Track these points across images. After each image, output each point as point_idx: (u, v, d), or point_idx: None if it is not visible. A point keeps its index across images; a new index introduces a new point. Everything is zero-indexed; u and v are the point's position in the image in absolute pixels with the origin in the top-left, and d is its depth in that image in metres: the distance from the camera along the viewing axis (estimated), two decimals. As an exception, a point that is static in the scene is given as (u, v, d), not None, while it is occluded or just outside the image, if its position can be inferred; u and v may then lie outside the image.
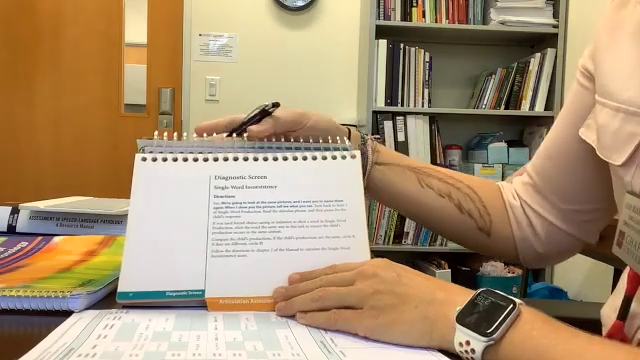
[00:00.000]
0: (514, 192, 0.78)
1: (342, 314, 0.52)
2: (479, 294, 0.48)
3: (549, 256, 0.77)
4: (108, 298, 0.59)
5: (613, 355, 0.42)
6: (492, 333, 0.44)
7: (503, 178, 2.74)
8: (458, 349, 0.46)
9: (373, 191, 0.76)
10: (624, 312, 0.58)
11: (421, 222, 0.80)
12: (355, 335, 0.51)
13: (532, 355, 0.43)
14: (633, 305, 0.57)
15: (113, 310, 0.56)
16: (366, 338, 0.50)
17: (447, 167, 2.84)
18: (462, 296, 0.48)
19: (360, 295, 0.52)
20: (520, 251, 0.77)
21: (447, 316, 0.47)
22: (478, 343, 0.44)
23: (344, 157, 0.66)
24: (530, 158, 2.77)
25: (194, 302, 0.57)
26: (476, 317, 0.45)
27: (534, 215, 0.75)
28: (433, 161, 2.74)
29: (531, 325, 0.45)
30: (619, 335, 0.58)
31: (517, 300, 0.46)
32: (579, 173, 0.70)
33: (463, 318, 0.46)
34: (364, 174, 0.72)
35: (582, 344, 0.43)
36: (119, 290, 0.57)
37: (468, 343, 0.45)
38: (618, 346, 0.44)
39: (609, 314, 0.63)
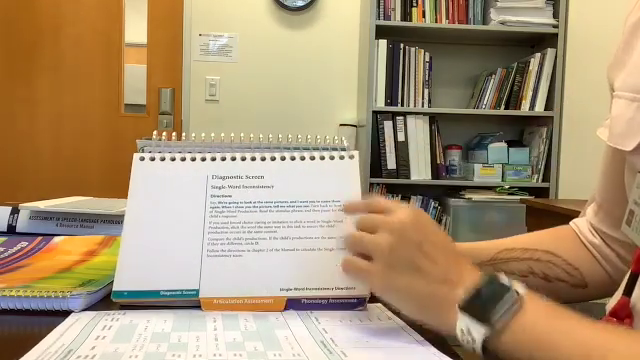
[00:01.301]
0: (590, 228, 0.76)
1: (355, 263, 0.53)
2: (483, 281, 0.48)
3: None
4: (106, 299, 0.59)
5: (616, 342, 0.42)
6: (493, 323, 0.44)
7: (503, 178, 2.74)
8: (460, 336, 0.46)
9: None
10: (630, 288, 0.58)
11: None
12: (356, 335, 0.51)
13: (534, 344, 0.44)
14: (638, 284, 0.58)
15: (111, 311, 0.56)
16: (366, 337, 0.50)
17: (447, 167, 2.85)
18: (471, 279, 0.48)
19: (377, 250, 0.51)
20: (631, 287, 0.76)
21: (453, 300, 0.47)
22: (478, 332, 0.45)
23: (342, 157, 0.66)
24: (530, 158, 2.77)
25: (188, 301, 0.57)
26: (479, 306, 0.46)
27: (617, 244, 0.73)
28: (433, 161, 2.74)
29: (533, 314, 0.45)
30: (624, 311, 0.58)
31: (521, 288, 0.46)
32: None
33: (467, 306, 0.46)
34: None
35: (585, 331, 0.43)
36: (114, 289, 0.57)
37: (469, 331, 0.45)
38: (621, 332, 0.44)
39: (616, 297, 0.63)
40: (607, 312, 0.67)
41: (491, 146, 2.78)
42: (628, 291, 0.58)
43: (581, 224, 0.78)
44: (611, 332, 0.44)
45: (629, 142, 0.58)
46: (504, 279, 0.48)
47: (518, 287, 0.47)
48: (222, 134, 0.69)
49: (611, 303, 0.66)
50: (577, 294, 0.74)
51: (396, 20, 2.72)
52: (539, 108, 2.73)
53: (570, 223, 0.80)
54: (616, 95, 0.63)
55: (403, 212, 0.53)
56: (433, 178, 2.74)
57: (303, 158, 0.65)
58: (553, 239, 0.77)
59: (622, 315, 0.58)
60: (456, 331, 0.46)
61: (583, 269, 0.74)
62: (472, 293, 0.47)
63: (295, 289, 0.58)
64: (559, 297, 0.74)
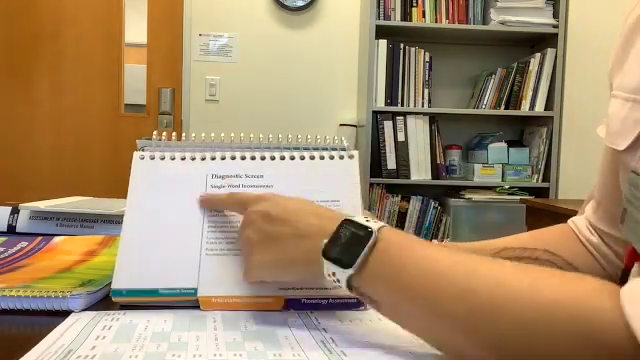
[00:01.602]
0: (589, 225, 0.76)
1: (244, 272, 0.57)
2: (342, 225, 0.50)
3: None
4: (106, 299, 0.59)
5: (463, 261, 0.45)
6: (351, 264, 0.47)
7: (503, 178, 2.74)
8: (327, 279, 0.49)
9: None
10: (622, 284, 0.59)
11: None
12: (356, 335, 0.51)
13: (390, 276, 0.46)
14: (629, 280, 0.58)
15: (111, 311, 0.56)
16: (366, 337, 0.50)
17: (447, 167, 2.85)
18: (329, 225, 0.51)
19: (242, 243, 0.56)
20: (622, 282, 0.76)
21: (317, 251, 0.50)
22: (341, 274, 0.48)
23: (341, 157, 0.66)
24: (530, 158, 2.77)
25: (187, 300, 0.57)
26: (338, 249, 0.49)
27: (615, 242, 0.72)
28: (433, 161, 2.74)
29: (386, 250, 0.47)
30: None
31: (375, 226, 0.48)
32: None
33: (328, 252, 0.49)
34: None
35: (435, 252, 0.47)
36: (113, 287, 0.57)
37: (334, 274, 0.48)
38: (469, 254, 0.46)
39: None
40: None
41: (491, 146, 2.78)
42: (620, 286, 0.59)
43: (579, 222, 0.78)
44: (458, 252, 0.47)
45: (622, 141, 0.58)
46: (360, 219, 0.50)
47: (373, 224, 0.49)
48: (222, 134, 0.69)
49: None
50: None
51: (396, 20, 2.72)
52: (539, 108, 2.74)
53: (568, 221, 0.80)
54: (613, 94, 0.64)
55: (256, 201, 0.57)
56: (433, 178, 2.74)
57: (303, 158, 0.65)
58: (552, 238, 0.78)
59: None
60: (325, 277, 0.49)
61: (581, 267, 0.74)
62: (331, 238, 0.50)
63: (294, 288, 0.58)
64: None
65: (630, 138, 0.57)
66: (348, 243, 0.48)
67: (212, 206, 0.62)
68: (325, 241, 0.50)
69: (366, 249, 0.47)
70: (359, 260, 0.47)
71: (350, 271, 0.47)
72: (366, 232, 0.48)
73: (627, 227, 0.58)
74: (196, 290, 0.57)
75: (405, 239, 0.49)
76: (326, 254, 0.49)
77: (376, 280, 0.47)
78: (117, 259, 0.59)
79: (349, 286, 0.48)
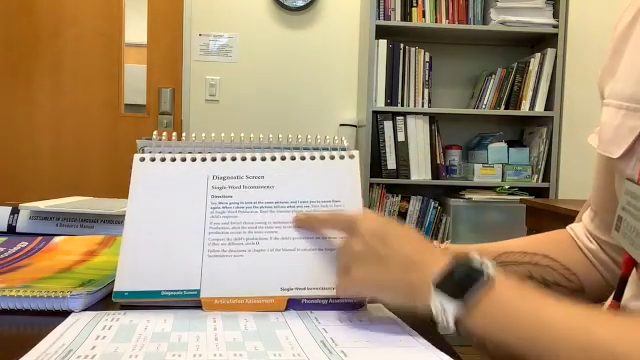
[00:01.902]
0: (587, 233, 0.77)
1: (340, 284, 0.56)
2: (457, 261, 0.50)
3: None
4: (106, 299, 0.59)
5: (579, 319, 0.45)
6: (463, 300, 0.47)
7: (503, 178, 2.74)
8: (434, 311, 0.49)
9: None
10: (619, 292, 0.59)
11: None
12: (356, 335, 0.51)
13: (501, 320, 0.46)
14: (627, 288, 0.58)
15: (111, 311, 0.56)
16: (366, 337, 0.50)
17: (447, 167, 2.85)
18: (442, 261, 0.51)
19: (351, 256, 0.55)
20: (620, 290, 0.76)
21: (427, 281, 0.50)
22: (451, 306, 0.47)
23: (342, 157, 0.66)
24: (530, 158, 2.76)
25: (189, 302, 0.57)
26: (452, 283, 0.49)
27: (612, 250, 0.73)
28: (433, 161, 2.74)
29: (503, 291, 0.48)
30: None
31: (491, 268, 0.49)
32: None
33: (440, 283, 0.49)
34: None
35: (551, 309, 0.46)
36: (115, 289, 0.57)
37: (443, 306, 0.48)
38: (586, 310, 0.46)
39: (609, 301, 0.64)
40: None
41: (491, 146, 2.78)
42: (618, 295, 0.59)
43: (578, 229, 0.79)
44: (572, 308, 0.47)
45: (616, 149, 0.59)
46: (476, 259, 0.50)
47: (489, 267, 0.49)
48: (222, 134, 0.69)
49: (606, 306, 0.66)
50: (577, 298, 0.75)
51: (396, 20, 2.72)
52: (539, 108, 2.74)
53: (567, 228, 0.80)
54: (605, 103, 0.64)
55: (365, 219, 0.57)
56: (433, 178, 2.74)
57: (303, 158, 0.65)
58: (551, 243, 0.78)
59: None
60: (431, 309, 0.49)
61: (580, 274, 0.75)
62: (446, 272, 0.50)
63: (296, 289, 0.58)
64: None
65: (624, 146, 0.57)
66: (463, 278, 0.48)
67: (309, 226, 0.61)
68: (437, 273, 0.50)
69: (482, 285, 0.47)
70: (473, 297, 0.47)
71: (461, 305, 0.47)
72: (482, 270, 0.48)
73: (622, 234, 0.58)
74: (199, 292, 0.57)
75: (519, 284, 0.49)
76: (439, 286, 0.49)
77: (486, 319, 0.47)
78: (119, 261, 0.59)
79: (456, 320, 0.48)
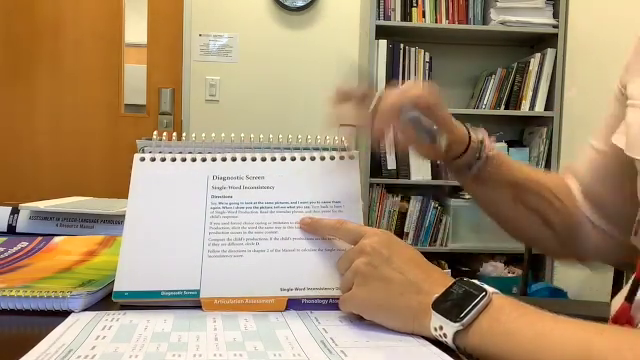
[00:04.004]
0: (581, 198, 0.80)
1: (344, 299, 0.56)
2: (455, 283, 0.50)
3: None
4: (106, 299, 0.59)
5: (577, 333, 0.44)
6: (462, 319, 0.47)
7: (503, 178, 2.73)
8: (433, 333, 0.49)
9: (471, 191, 0.85)
10: (631, 295, 0.59)
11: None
12: (356, 335, 0.51)
13: (500, 339, 0.46)
14: None
15: (111, 311, 0.56)
16: (366, 337, 0.50)
17: (447, 167, 2.84)
18: (442, 286, 0.51)
19: (356, 274, 0.55)
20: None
21: (427, 305, 0.50)
22: (449, 328, 0.47)
23: (342, 157, 0.66)
24: (530, 158, 2.75)
25: (189, 302, 0.57)
26: (450, 304, 0.49)
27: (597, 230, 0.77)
28: (433, 161, 2.73)
29: (499, 311, 0.47)
30: (624, 317, 0.59)
31: (489, 289, 0.49)
32: (624, 187, 0.70)
33: (438, 305, 0.49)
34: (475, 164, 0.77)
35: (548, 325, 0.46)
36: (115, 289, 0.57)
37: (441, 328, 0.48)
38: (583, 323, 0.46)
39: (619, 300, 0.64)
40: (610, 317, 0.67)
41: (491, 146, 2.78)
42: (630, 297, 0.59)
43: (573, 186, 0.81)
44: (574, 323, 0.46)
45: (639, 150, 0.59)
46: (474, 281, 0.50)
47: (486, 286, 0.49)
48: (222, 134, 0.69)
49: (614, 306, 0.66)
50: (547, 234, 0.82)
51: (396, 20, 2.72)
52: (539, 108, 2.74)
53: (567, 180, 0.82)
54: (631, 104, 0.63)
55: (372, 235, 0.56)
56: (433, 178, 2.74)
57: (303, 158, 0.65)
58: (557, 186, 0.82)
59: (622, 321, 0.58)
60: (431, 331, 0.49)
61: (568, 218, 0.79)
62: (443, 294, 0.50)
63: (296, 289, 0.58)
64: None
65: None
66: (460, 299, 0.48)
67: (316, 232, 0.61)
68: (436, 295, 0.50)
69: (479, 306, 0.47)
70: (470, 316, 0.47)
71: (458, 326, 0.47)
72: (479, 291, 0.48)
73: None
74: (198, 292, 0.57)
75: (518, 302, 0.49)
76: (436, 307, 0.49)
77: (485, 338, 0.47)
78: (119, 261, 0.59)
79: (455, 341, 0.48)
